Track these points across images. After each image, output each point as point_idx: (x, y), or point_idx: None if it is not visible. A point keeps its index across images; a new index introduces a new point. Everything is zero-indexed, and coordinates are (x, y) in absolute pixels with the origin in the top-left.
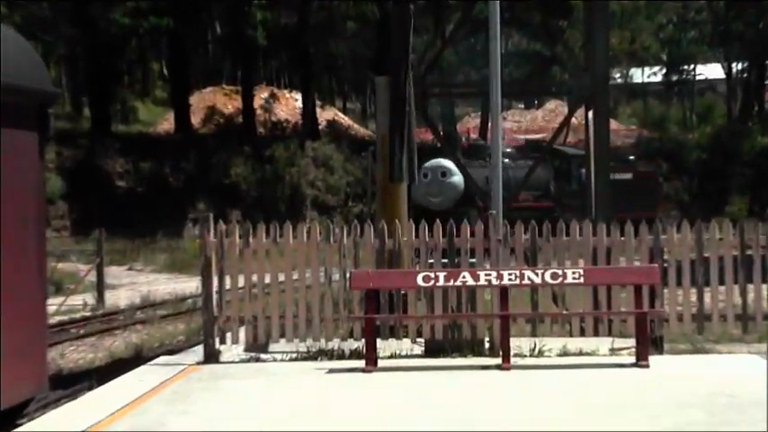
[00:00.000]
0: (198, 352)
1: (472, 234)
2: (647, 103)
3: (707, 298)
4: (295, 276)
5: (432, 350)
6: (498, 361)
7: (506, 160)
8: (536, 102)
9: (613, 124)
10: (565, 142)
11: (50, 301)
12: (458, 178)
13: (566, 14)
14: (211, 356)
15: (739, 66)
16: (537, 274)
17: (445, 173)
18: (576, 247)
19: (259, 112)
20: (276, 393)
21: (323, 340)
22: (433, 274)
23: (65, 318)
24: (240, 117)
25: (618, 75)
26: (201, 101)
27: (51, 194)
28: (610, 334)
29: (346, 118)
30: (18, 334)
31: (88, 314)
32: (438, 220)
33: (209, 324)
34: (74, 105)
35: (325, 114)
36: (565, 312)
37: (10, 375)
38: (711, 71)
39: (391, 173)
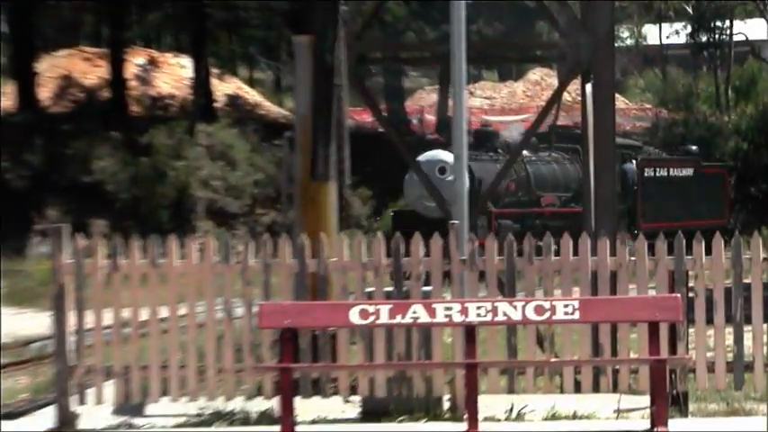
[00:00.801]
0: (48, 415)
1: (427, 253)
2: (667, 72)
3: (747, 341)
4: (182, 311)
5: (371, 412)
6: (463, 427)
7: (525, 152)
8: (514, 71)
9: (620, 102)
10: (555, 123)
11: None
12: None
13: None
14: (67, 422)
15: None
16: (515, 308)
17: (444, 169)
18: (570, 271)
19: (133, 83)
20: None
21: (221, 399)
22: (372, 308)
23: None
24: (106, 91)
25: (627, 34)
26: (53, 68)
27: None
28: (615, 390)
29: (254, 92)
30: None
31: None
32: (437, 234)
33: (64, 377)
34: None
35: (224, 87)
36: (553, 360)
37: None
38: (754, 29)
39: (314, 168)
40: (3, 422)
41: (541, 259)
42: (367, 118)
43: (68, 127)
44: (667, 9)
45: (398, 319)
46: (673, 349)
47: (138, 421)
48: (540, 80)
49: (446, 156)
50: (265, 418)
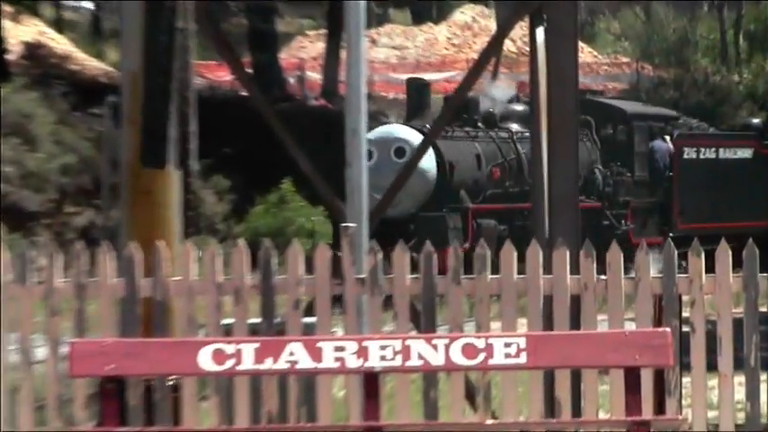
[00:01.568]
0: None
1: (309, 269)
2: (653, 13)
3: (764, 394)
4: None
5: None
6: None
7: (516, 126)
8: (435, 9)
9: (586, 54)
10: (495, 78)
11: None
12: (427, 161)
13: None
14: None
15: None
16: (436, 348)
17: (403, 150)
18: (514, 295)
19: None
20: None
21: None
22: (231, 348)
23: None
24: None
25: None
26: None
27: None
28: None
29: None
30: None
31: None
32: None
33: None
34: None
35: (19, 32)
36: (490, 422)
37: None
38: None
39: (147, 148)
40: None
41: (473, 278)
42: (224, 75)
43: None
44: None
45: (269, 364)
46: (660, 407)
47: None
48: (472, 23)
49: (405, 132)
50: None
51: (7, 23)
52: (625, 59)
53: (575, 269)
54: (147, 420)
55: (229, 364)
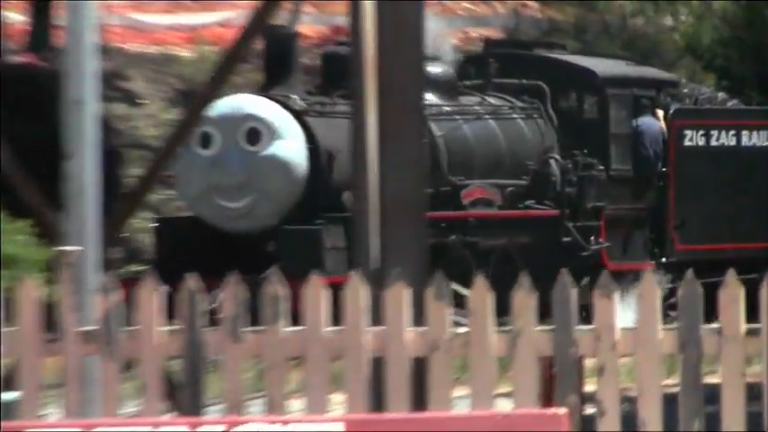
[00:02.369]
0: None
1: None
2: None
3: None
4: None
5: None
6: None
7: (432, 97)
8: None
9: None
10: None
11: None
12: (295, 148)
13: None
14: None
15: None
16: None
17: (257, 133)
18: (324, 356)
19: None
20: None
21: None
22: None
23: None
24: None
25: None
26: None
27: None
28: None
29: None
30: None
31: None
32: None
33: None
34: None
35: None
36: None
37: None
38: None
39: None
40: None
41: (263, 331)
42: None
43: None
44: None
45: None
46: None
47: None
48: None
49: (262, 106)
50: None
51: None
52: None
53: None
54: None
55: None
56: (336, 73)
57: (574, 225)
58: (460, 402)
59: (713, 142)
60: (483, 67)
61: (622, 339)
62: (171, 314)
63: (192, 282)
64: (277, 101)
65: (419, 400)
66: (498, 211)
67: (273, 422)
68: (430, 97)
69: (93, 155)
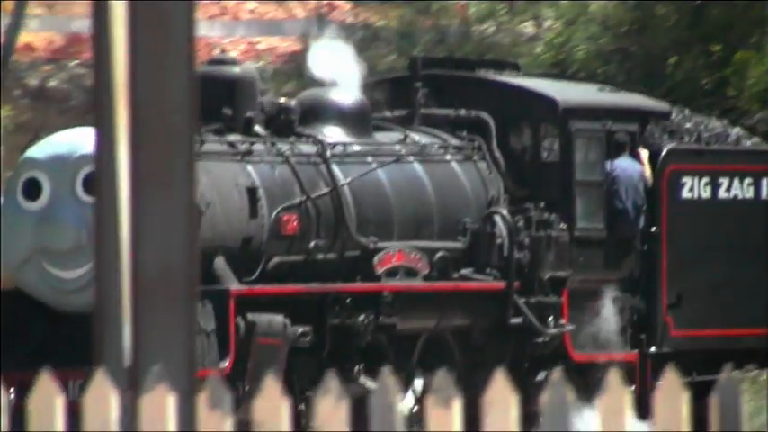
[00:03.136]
0: None
1: None
2: None
3: None
4: None
5: None
6: None
7: (333, 134)
8: None
9: None
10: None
11: None
12: None
13: None
14: None
15: None
16: None
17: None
18: None
19: None
20: None
21: None
22: None
23: None
24: None
25: None
26: None
27: None
28: None
29: None
30: None
31: None
32: None
33: None
34: None
35: None
36: None
37: None
38: None
39: None
40: None
41: None
42: None
43: None
44: None
45: None
46: None
47: None
48: None
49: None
50: None
51: None
52: None
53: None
54: None
55: None
56: (208, 101)
57: (526, 301)
58: None
59: (722, 193)
60: (408, 93)
61: None
62: None
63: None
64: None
65: None
66: (423, 284)
67: None
68: (333, 133)
69: None
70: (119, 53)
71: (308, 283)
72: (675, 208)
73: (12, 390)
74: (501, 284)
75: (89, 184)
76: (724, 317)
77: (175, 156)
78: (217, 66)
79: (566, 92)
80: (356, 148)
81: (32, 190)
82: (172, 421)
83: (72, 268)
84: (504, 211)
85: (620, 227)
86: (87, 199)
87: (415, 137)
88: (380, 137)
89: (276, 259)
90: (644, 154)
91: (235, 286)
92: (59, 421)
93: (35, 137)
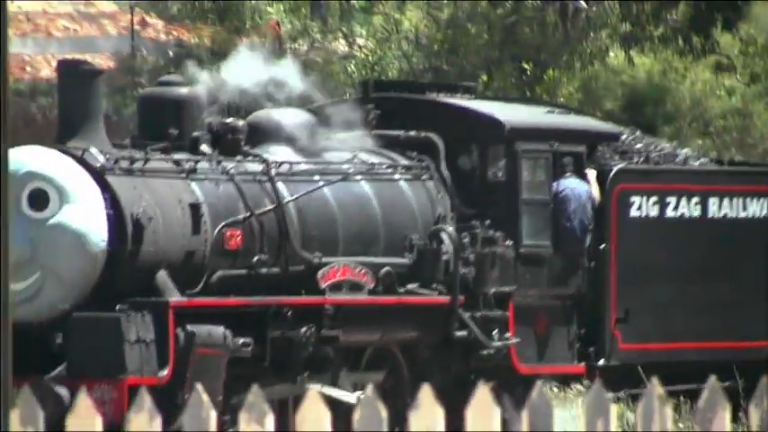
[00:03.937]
0: None
1: None
2: None
3: None
4: None
5: None
6: None
7: (285, 151)
8: None
9: None
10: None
11: None
12: (92, 215)
13: None
14: None
15: None
16: None
17: (45, 196)
18: None
19: None
20: None
21: None
22: None
23: None
24: None
25: None
26: None
27: None
28: None
29: None
30: None
31: None
32: None
33: None
34: None
35: None
36: None
37: None
38: None
39: None
40: None
41: None
42: None
43: None
44: None
45: None
46: None
47: None
48: None
49: (49, 162)
50: None
51: None
52: None
53: None
54: None
55: None
56: (154, 120)
57: (471, 316)
58: None
59: (669, 212)
60: (360, 115)
61: None
62: None
63: None
64: (71, 155)
65: None
66: (365, 297)
67: None
68: (282, 152)
69: None
70: None
71: (251, 296)
72: (624, 226)
73: None
74: (446, 299)
75: (34, 199)
76: (671, 332)
77: None
78: (164, 87)
79: (513, 114)
80: (303, 167)
81: None
82: None
83: (17, 280)
84: (450, 228)
85: (567, 244)
86: (32, 214)
87: (364, 156)
88: (329, 156)
89: (219, 273)
90: (591, 174)
91: (174, 298)
92: None
93: None
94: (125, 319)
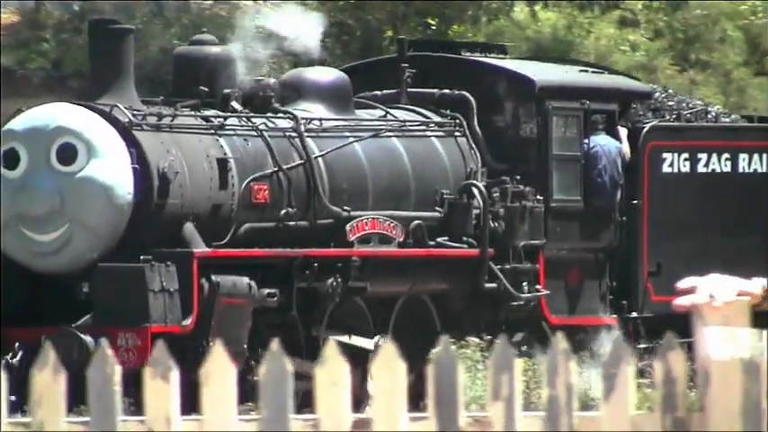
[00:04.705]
0: None
1: None
2: None
3: None
4: None
5: None
6: None
7: (308, 108)
8: None
9: None
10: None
11: None
12: (118, 169)
13: None
14: None
15: None
16: None
17: (72, 150)
18: None
19: None
20: None
21: None
22: None
23: None
24: None
25: None
26: None
27: None
28: None
29: None
30: None
31: None
32: None
33: None
34: None
35: None
36: None
37: None
38: None
39: None
40: None
41: None
42: None
43: None
44: None
45: None
46: None
47: None
48: None
49: (78, 118)
50: None
51: None
52: None
53: None
54: None
55: None
56: (187, 79)
57: (501, 268)
58: None
59: (701, 168)
60: (395, 74)
61: None
62: None
63: None
64: (98, 111)
65: None
66: (391, 249)
67: None
68: (313, 109)
69: None
70: None
71: (273, 247)
72: (656, 182)
73: (17, 345)
74: (475, 251)
75: (62, 154)
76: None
77: None
78: (196, 46)
79: (543, 73)
80: (333, 123)
81: (11, 160)
82: None
83: (47, 232)
84: (481, 183)
85: (598, 199)
86: (61, 168)
87: (396, 113)
88: (362, 114)
89: (246, 226)
90: (622, 131)
91: (199, 249)
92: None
93: (17, 110)
94: (149, 269)
